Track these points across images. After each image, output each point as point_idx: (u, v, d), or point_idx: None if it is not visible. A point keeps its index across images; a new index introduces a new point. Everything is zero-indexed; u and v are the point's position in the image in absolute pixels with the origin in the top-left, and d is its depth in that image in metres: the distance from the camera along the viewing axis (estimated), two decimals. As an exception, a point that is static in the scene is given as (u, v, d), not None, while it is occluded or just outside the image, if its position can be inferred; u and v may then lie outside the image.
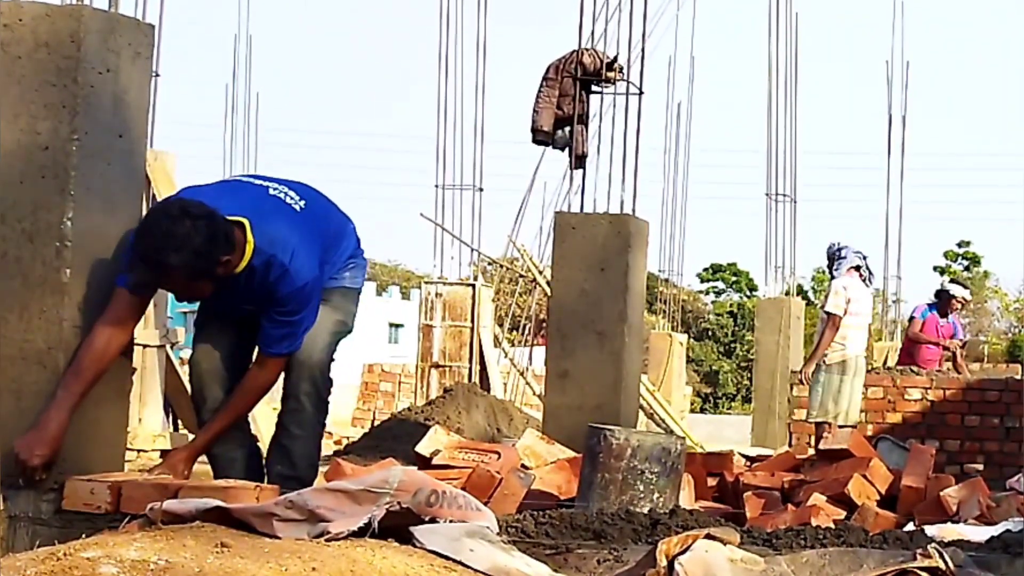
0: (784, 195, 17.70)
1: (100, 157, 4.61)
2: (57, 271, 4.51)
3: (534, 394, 15.06)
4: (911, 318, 13.82)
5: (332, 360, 5.19)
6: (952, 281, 14.79)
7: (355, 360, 16.74)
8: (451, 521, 3.77)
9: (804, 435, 11.30)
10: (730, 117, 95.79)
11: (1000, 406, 11.77)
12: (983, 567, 4.10)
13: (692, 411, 26.85)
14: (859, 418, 10.94)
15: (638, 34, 9.15)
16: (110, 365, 4.59)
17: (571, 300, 8.57)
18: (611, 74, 9.48)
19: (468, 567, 3.63)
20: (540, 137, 10.09)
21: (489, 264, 20.41)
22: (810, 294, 43.18)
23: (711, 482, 7.23)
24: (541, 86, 9.94)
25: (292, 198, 4.94)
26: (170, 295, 6.17)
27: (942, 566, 3.84)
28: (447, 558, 3.64)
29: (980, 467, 11.05)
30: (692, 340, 40.70)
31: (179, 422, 10.36)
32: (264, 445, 5.47)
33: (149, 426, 9.31)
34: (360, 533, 3.61)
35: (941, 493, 6.55)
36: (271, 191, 4.93)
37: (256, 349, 5.01)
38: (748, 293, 53.92)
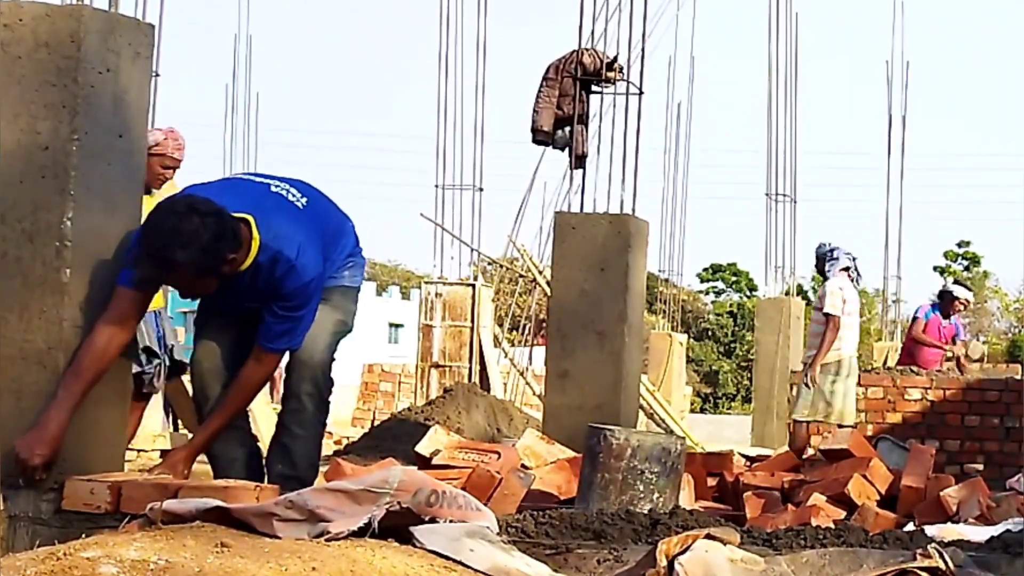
0: (784, 195, 17.70)
1: (100, 157, 4.61)
2: (57, 271, 4.51)
3: (534, 394, 15.06)
4: (914, 318, 13.82)
5: (333, 360, 5.19)
6: (955, 282, 14.82)
7: (355, 360, 16.74)
8: (451, 521, 3.76)
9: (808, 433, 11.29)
10: (730, 117, 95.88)
11: (1000, 406, 11.78)
12: (983, 567, 4.10)
13: (692, 411, 26.86)
14: (858, 418, 10.95)
15: (638, 34, 9.17)
16: (110, 365, 4.59)
17: (571, 300, 8.57)
18: (611, 74, 9.48)
19: (468, 567, 3.63)
20: (540, 137, 10.09)
21: (489, 264, 20.41)
22: (810, 294, 43.17)
23: (711, 482, 7.23)
24: (541, 86, 9.94)
25: (294, 195, 4.95)
26: (171, 295, 6.17)
27: (942, 566, 3.84)
28: (447, 558, 3.64)
29: (980, 467, 11.05)
30: (692, 340, 40.73)
31: (179, 422, 10.36)
32: (264, 445, 5.47)
33: (149, 426, 9.31)
34: (360, 533, 3.61)
35: (941, 493, 6.55)
36: (272, 188, 4.94)
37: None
38: (748, 293, 53.92)
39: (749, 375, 34.19)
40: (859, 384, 11.69)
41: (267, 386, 8.37)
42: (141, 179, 4.89)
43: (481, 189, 15.88)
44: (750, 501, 6.71)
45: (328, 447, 10.95)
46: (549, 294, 9.90)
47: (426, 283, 15.79)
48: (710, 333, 51.06)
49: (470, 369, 14.95)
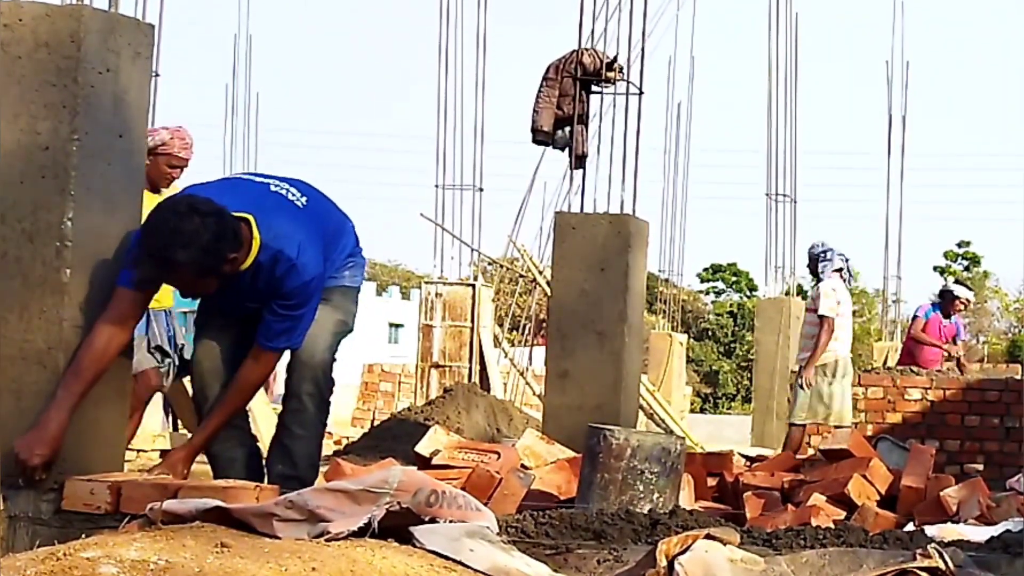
0: (784, 195, 17.71)
1: (100, 157, 4.61)
2: (57, 271, 4.51)
3: (534, 394, 15.06)
4: (914, 317, 13.83)
5: (334, 360, 5.19)
6: (956, 282, 14.83)
7: (355, 360, 16.72)
8: (451, 521, 3.76)
9: (804, 436, 11.29)
10: (730, 117, 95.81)
11: (1000, 406, 11.77)
12: (983, 567, 4.10)
13: (692, 411, 26.86)
14: (857, 418, 10.95)
15: (638, 34, 9.17)
16: (110, 365, 4.59)
17: (571, 300, 8.57)
18: (611, 74, 9.48)
19: (468, 567, 3.63)
20: (540, 137, 10.08)
21: (489, 264, 20.42)
22: (810, 294, 43.20)
23: (711, 482, 7.22)
24: (541, 86, 9.93)
25: (294, 195, 4.95)
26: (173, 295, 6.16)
27: (942, 566, 3.84)
28: (447, 558, 3.63)
29: (980, 467, 11.05)
30: (692, 340, 40.70)
31: (179, 422, 10.36)
32: (264, 445, 5.47)
33: (149, 426, 9.31)
34: (360, 533, 3.61)
35: (941, 493, 6.54)
36: (272, 188, 4.95)
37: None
38: (748, 293, 53.92)
39: (749, 375, 34.20)
40: (859, 384, 11.72)
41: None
42: (141, 179, 4.89)
43: (481, 189, 15.89)
44: (750, 501, 6.71)
45: (328, 447, 10.95)
46: (549, 294, 9.90)
47: (426, 283, 15.79)
48: (710, 333, 51.06)
49: (470, 369, 14.95)
